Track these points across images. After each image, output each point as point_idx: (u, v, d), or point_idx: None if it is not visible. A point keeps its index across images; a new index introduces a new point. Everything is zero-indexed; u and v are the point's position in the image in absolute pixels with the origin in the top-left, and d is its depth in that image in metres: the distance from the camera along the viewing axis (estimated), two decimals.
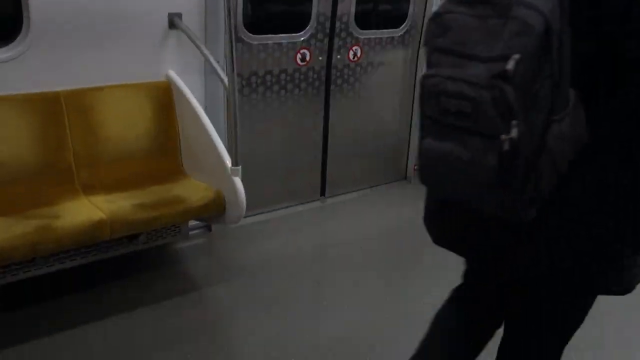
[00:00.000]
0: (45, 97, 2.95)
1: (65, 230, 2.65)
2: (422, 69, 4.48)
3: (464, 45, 1.20)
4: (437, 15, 1.26)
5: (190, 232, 3.49)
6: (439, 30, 1.25)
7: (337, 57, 4.16)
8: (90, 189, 3.03)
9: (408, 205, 4.65)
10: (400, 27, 4.43)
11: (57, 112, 2.98)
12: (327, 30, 4.03)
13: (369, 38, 4.28)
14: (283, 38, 3.87)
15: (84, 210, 2.81)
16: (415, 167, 4.78)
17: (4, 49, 2.85)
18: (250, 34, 3.69)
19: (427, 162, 1.34)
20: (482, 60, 1.15)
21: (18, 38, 2.87)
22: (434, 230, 1.57)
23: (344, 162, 4.47)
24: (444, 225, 1.54)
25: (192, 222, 3.42)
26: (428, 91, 1.28)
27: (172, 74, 3.34)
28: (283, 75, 3.95)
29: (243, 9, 3.60)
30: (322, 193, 4.46)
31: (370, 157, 4.67)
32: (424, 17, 4.46)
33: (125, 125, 3.21)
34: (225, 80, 3.01)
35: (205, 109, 3.36)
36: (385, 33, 4.38)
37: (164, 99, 3.33)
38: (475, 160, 1.19)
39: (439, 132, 1.28)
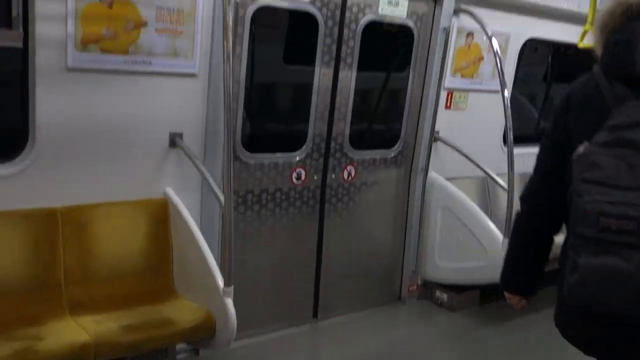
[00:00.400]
0: (42, 213, 2.94)
1: (48, 354, 2.54)
2: (415, 189, 4.60)
3: (608, 178, 1.52)
4: (581, 155, 1.61)
5: (177, 356, 3.32)
6: (585, 166, 1.59)
7: (331, 176, 4.22)
8: (78, 308, 2.93)
9: (403, 327, 4.54)
10: (393, 148, 4.55)
11: (52, 229, 2.95)
12: (323, 150, 4.13)
13: (363, 158, 4.38)
14: (279, 157, 3.94)
15: (68, 332, 2.71)
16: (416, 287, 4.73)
17: (7, 164, 2.88)
18: (248, 153, 3.76)
19: (584, 279, 1.54)
20: (629, 189, 1.48)
21: (22, 154, 2.90)
22: (581, 340, 1.79)
23: (338, 282, 4.39)
24: (591, 333, 1.72)
25: (179, 345, 3.27)
26: (585, 214, 1.54)
27: (170, 191, 3.35)
28: (278, 194, 3.98)
29: (242, 128, 3.71)
30: (315, 314, 4.33)
31: (364, 278, 4.59)
32: (415, 138, 4.59)
33: (120, 243, 3.18)
34: (222, 198, 3.02)
35: (201, 227, 3.34)
36: (378, 153, 4.48)
37: (160, 216, 3.32)
38: (638, 271, 1.43)
39: (595, 249, 1.51)
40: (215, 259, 3.17)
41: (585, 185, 1.56)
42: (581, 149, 1.62)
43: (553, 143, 1.90)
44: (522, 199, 2.03)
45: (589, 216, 1.51)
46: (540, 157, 2.01)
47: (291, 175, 4.01)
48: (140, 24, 3.03)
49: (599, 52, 1.88)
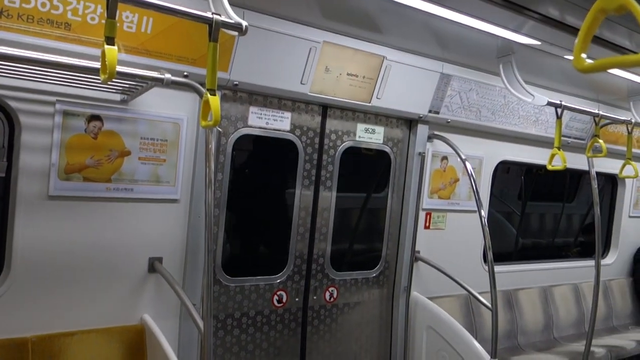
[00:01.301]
0: (12, 343, 2.84)
1: None
2: (399, 309, 4.57)
3: None
4: None
5: None
6: None
7: (313, 298, 4.19)
8: None
9: None
10: (375, 269, 4.56)
11: None
12: (304, 272, 4.12)
13: (345, 279, 4.37)
14: (260, 280, 3.92)
15: None
16: None
17: None
18: (228, 276, 3.75)
19: None
20: None
21: None
22: None
23: None
24: None
25: None
26: None
27: (147, 317, 3.28)
28: (259, 317, 3.92)
29: (222, 251, 3.72)
30: None
31: None
32: (396, 258, 4.62)
33: None
34: (201, 324, 2.95)
35: (178, 354, 3.25)
36: (360, 274, 4.48)
37: (136, 343, 3.22)
38: None
39: None
40: None
41: None
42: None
43: None
44: None
45: None
46: None
47: (272, 297, 3.97)
48: (124, 154, 3.13)
49: None
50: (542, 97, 3.95)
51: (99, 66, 2.10)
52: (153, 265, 3.32)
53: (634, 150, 4.64)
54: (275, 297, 3.99)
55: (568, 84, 4.97)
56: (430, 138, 4.54)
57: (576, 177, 6.99)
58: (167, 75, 2.60)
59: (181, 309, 3.42)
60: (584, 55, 1.17)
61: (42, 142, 2.89)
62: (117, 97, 3.08)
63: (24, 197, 2.87)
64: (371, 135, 4.33)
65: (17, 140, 2.85)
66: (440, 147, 4.61)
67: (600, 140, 4.08)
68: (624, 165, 4.48)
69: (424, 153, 4.52)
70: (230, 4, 2.42)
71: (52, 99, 2.89)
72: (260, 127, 3.76)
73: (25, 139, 2.84)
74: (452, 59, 4.24)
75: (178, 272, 3.43)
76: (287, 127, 3.89)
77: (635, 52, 3.29)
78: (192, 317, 3.05)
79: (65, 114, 2.93)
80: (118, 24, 2.27)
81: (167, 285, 3.27)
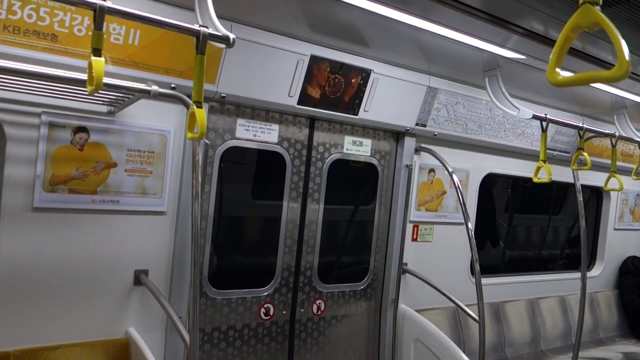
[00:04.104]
0: None
1: None
2: (386, 322, 4.56)
3: None
4: None
5: None
6: None
7: (300, 310, 4.17)
8: None
9: None
10: (362, 281, 4.55)
11: None
12: (291, 285, 4.11)
13: (332, 292, 4.35)
14: (247, 292, 3.90)
15: None
16: None
17: None
18: (215, 289, 3.73)
19: None
20: None
21: None
22: None
23: None
24: None
25: None
26: None
27: (133, 331, 3.25)
28: (246, 330, 3.89)
29: (209, 264, 3.70)
30: None
31: None
32: (384, 271, 4.62)
33: None
34: (187, 337, 2.93)
35: None
36: (347, 286, 4.47)
37: (121, 357, 3.19)
38: None
39: None
40: None
41: None
42: None
43: None
44: None
45: None
46: None
47: (259, 310, 3.95)
48: (111, 165, 3.11)
49: None
50: (527, 110, 3.98)
51: (86, 78, 2.09)
52: (139, 278, 3.29)
53: (618, 163, 4.69)
54: (263, 310, 3.97)
55: (553, 97, 5.03)
56: (417, 150, 4.57)
57: (562, 190, 7.04)
58: (154, 87, 2.60)
59: (167, 322, 3.39)
60: (558, 69, 1.19)
61: (27, 153, 2.87)
62: (104, 108, 3.07)
63: (8, 209, 2.84)
64: (359, 148, 4.34)
65: (1, 151, 2.82)
66: (428, 159, 4.63)
67: (585, 154, 4.12)
68: (608, 178, 4.52)
69: (411, 165, 4.54)
70: (218, 16, 2.43)
71: (38, 110, 2.88)
72: (247, 139, 3.76)
73: (10, 151, 2.82)
74: (438, 73, 4.28)
75: (164, 285, 3.40)
76: (275, 139, 3.89)
77: None
78: (178, 331, 3.03)
79: (51, 125, 2.91)
80: (105, 36, 2.27)
81: (152, 298, 3.24)
